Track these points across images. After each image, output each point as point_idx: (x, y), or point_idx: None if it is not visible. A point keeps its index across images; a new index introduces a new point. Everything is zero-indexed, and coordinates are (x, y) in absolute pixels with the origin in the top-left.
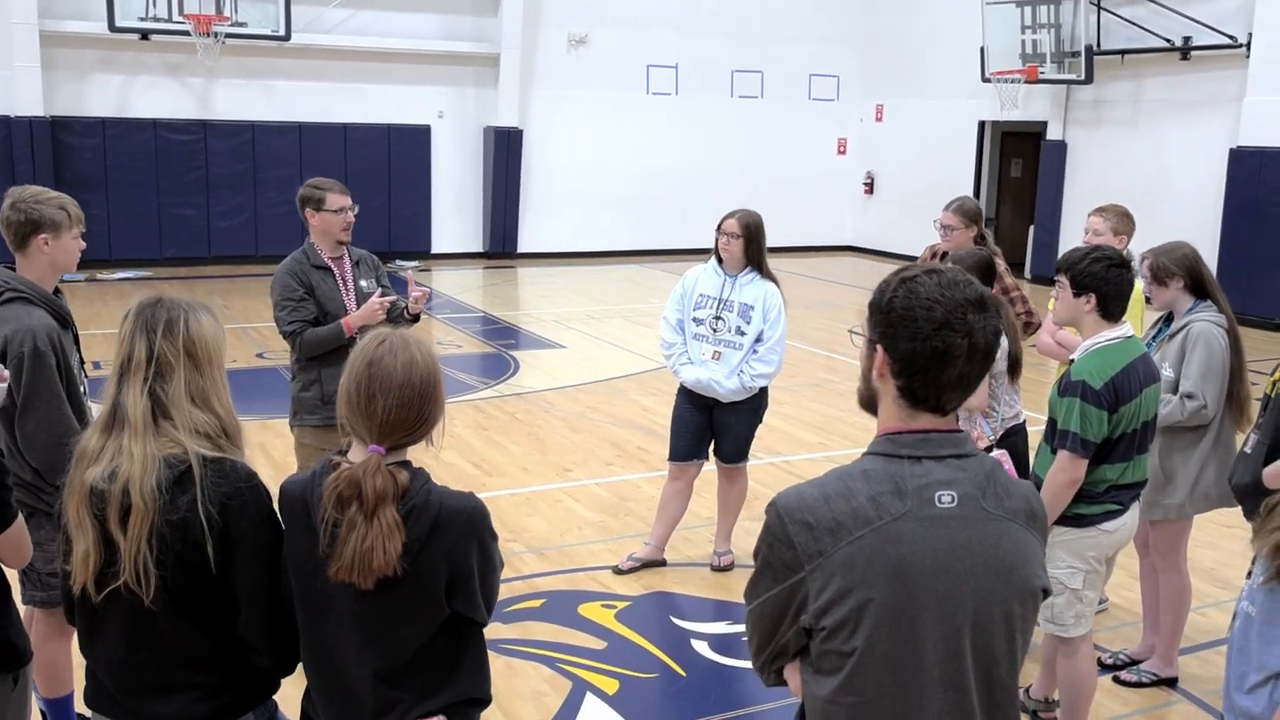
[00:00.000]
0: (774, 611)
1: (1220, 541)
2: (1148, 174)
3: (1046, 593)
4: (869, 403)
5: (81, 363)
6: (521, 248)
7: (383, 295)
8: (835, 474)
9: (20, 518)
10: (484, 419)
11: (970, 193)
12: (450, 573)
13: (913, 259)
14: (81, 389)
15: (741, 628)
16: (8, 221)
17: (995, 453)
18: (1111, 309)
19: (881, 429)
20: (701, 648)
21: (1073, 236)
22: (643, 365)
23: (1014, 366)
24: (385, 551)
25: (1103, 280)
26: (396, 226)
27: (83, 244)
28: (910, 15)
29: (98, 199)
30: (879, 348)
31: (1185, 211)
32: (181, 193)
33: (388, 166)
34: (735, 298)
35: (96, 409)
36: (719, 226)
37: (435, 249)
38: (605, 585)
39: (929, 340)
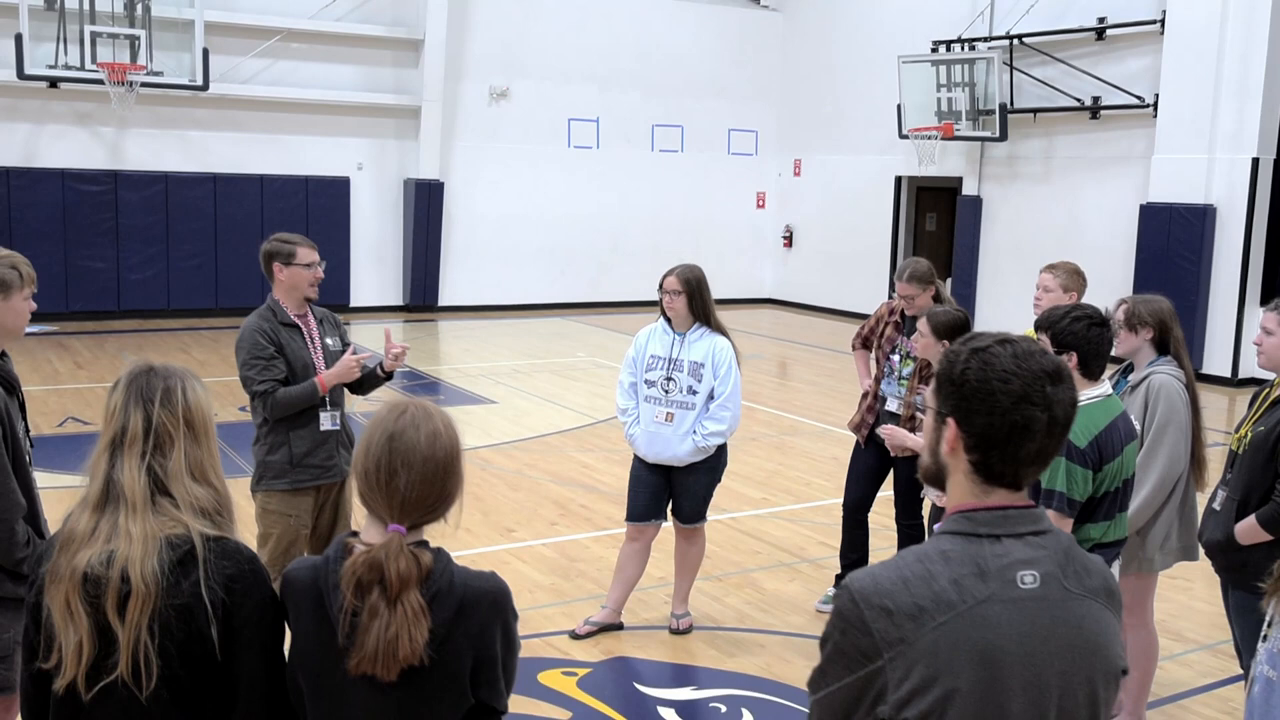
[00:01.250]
0: (846, 701)
1: (1167, 593)
2: (1061, 228)
3: (1125, 672)
4: (935, 477)
5: (27, 431)
6: (442, 300)
7: (354, 353)
8: (911, 555)
9: None
10: None
11: (887, 246)
12: (475, 658)
13: (833, 311)
14: (27, 459)
15: (708, 693)
16: None
17: None
18: (1093, 367)
19: (954, 506)
20: (669, 715)
21: (989, 289)
22: (577, 420)
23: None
24: (412, 639)
25: (1083, 339)
26: None
27: (33, 305)
28: (828, 72)
29: None
30: (951, 422)
31: (1098, 264)
32: (91, 245)
33: (306, 218)
34: (685, 356)
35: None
36: (660, 285)
37: (354, 302)
38: (563, 651)
39: (1008, 415)
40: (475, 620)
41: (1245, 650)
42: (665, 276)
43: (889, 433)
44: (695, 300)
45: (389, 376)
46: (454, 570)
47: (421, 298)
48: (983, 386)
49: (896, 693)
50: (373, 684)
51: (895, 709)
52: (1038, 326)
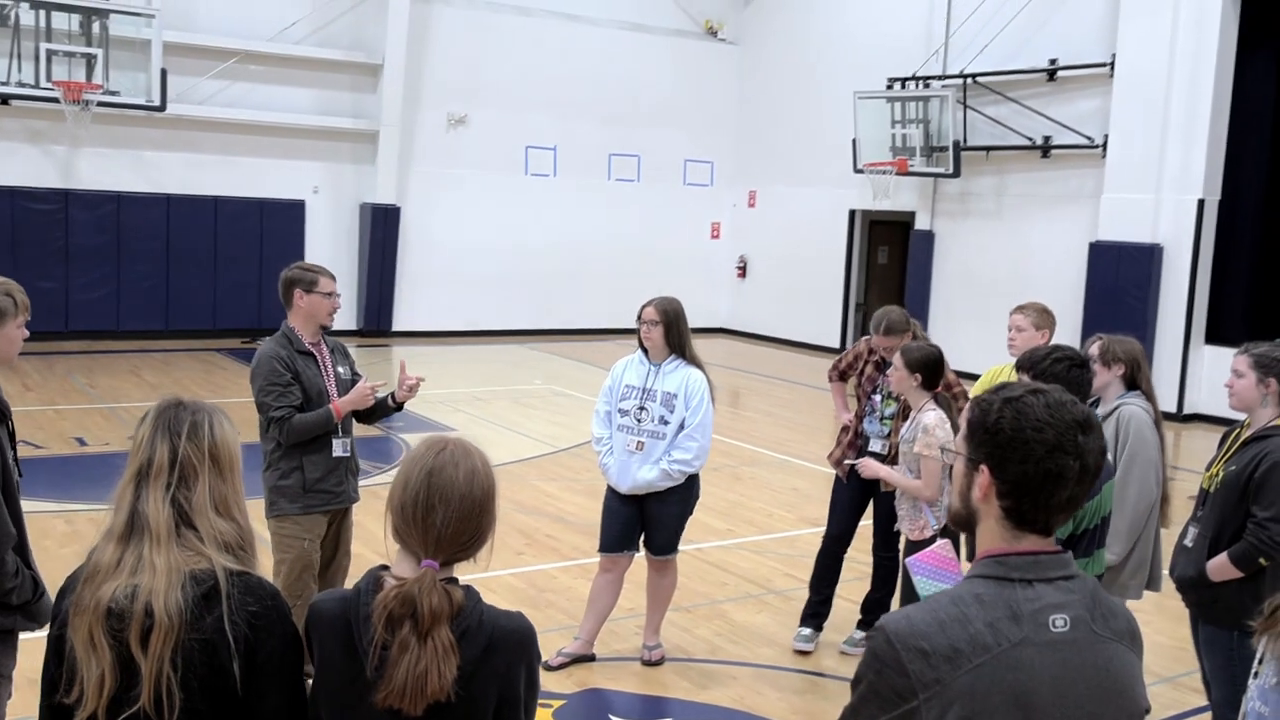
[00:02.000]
0: None
1: None
2: (1012, 264)
3: (1148, 711)
4: (965, 522)
5: (16, 458)
6: (396, 325)
7: (367, 382)
8: (946, 598)
9: None
10: (382, 505)
11: (840, 278)
12: (499, 698)
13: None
14: (16, 488)
15: None
16: None
17: (939, 541)
18: None
19: (985, 550)
20: None
21: (941, 323)
22: (538, 449)
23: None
24: (441, 675)
25: (1065, 380)
26: (267, 302)
27: (25, 333)
28: (784, 105)
29: None
30: (984, 469)
31: (1047, 300)
32: (40, 264)
33: (259, 241)
34: (658, 387)
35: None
36: (639, 315)
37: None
38: None
39: (1041, 463)
40: (502, 659)
41: (1213, 682)
42: (644, 307)
43: (864, 465)
44: (672, 332)
45: (399, 407)
46: (483, 609)
47: (376, 322)
48: (1017, 435)
49: None
50: (398, 718)
51: None
52: (1019, 367)
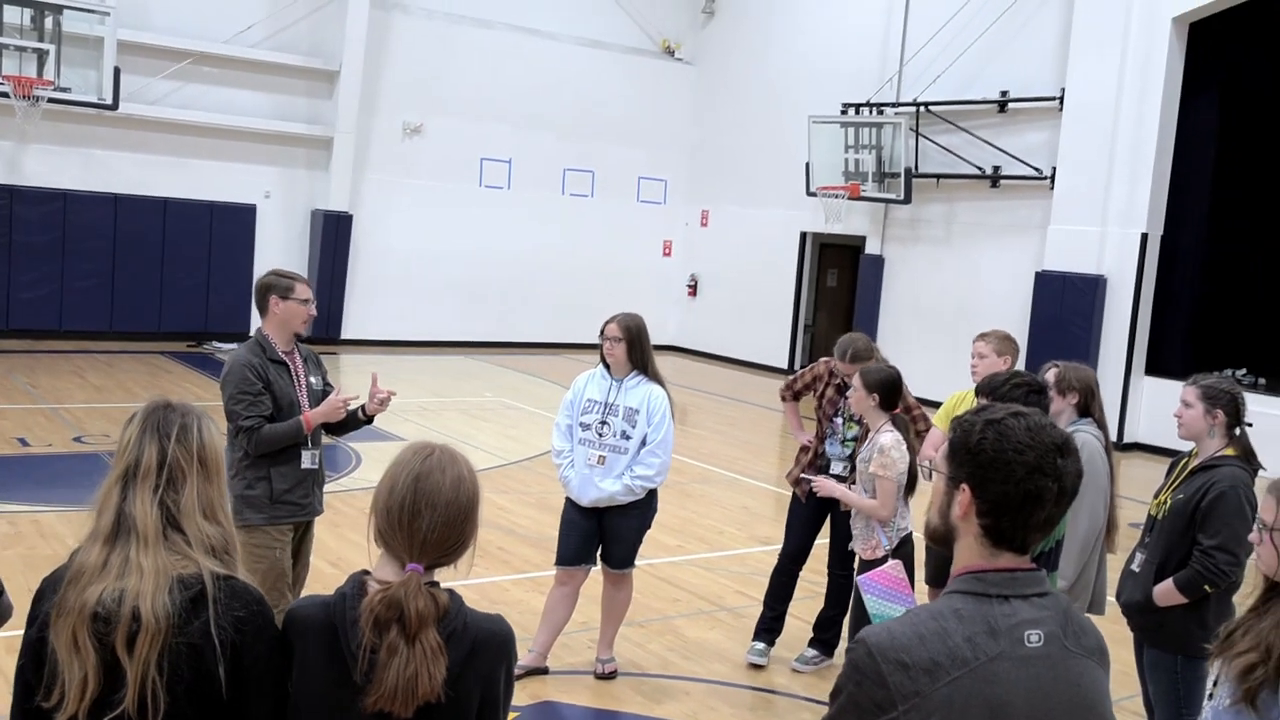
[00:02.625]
0: None
1: None
2: (960, 290)
3: None
4: (943, 539)
5: None
6: (345, 333)
7: (339, 394)
8: (925, 613)
9: None
10: (334, 515)
11: (790, 299)
12: (481, 698)
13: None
14: None
15: None
16: None
17: (890, 562)
18: None
19: (963, 566)
20: None
21: (889, 344)
22: (488, 461)
23: (911, 482)
24: (431, 677)
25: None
26: (214, 306)
27: None
28: (739, 127)
29: None
30: (965, 488)
31: (994, 326)
32: None
33: (209, 244)
34: (620, 402)
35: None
36: (601, 331)
37: (254, 331)
38: None
39: (1021, 484)
40: (485, 661)
41: (1157, 706)
42: (607, 323)
43: (820, 484)
44: (635, 348)
45: (370, 420)
46: (467, 612)
47: (324, 329)
48: (999, 457)
49: None
50: None
51: None
52: (979, 392)
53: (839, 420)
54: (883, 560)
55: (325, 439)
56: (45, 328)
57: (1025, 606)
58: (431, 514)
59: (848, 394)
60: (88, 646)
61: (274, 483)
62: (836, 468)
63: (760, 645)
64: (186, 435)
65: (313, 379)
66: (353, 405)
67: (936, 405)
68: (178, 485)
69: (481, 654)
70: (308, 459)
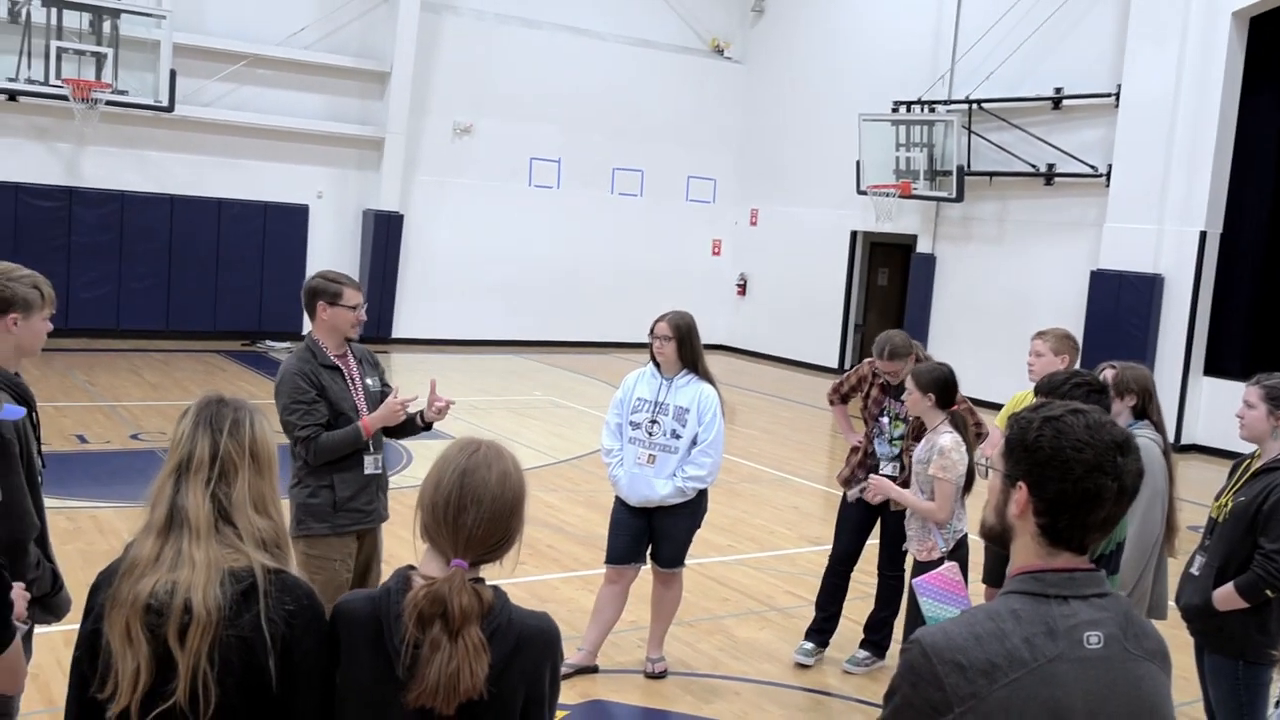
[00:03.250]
0: None
1: None
2: (1012, 289)
3: None
4: (999, 537)
5: (40, 451)
6: (396, 332)
7: (397, 396)
8: (982, 613)
9: (18, 639)
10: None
11: (840, 299)
12: (526, 697)
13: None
14: (40, 480)
15: None
16: None
17: (946, 564)
18: None
19: (1020, 566)
20: None
21: (941, 344)
22: (537, 460)
23: (969, 482)
24: (473, 674)
25: None
26: (268, 305)
27: (50, 326)
28: (788, 125)
29: None
30: (1022, 486)
31: (1049, 326)
32: (42, 261)
33: (262, 244)
34: (671, 401)
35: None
36: (651, 330)
37: (306, 330)
38: None
39: (1080, 482)
40: (530, 658)
41: (1218, 711)
42: (656, 322)
43: (876, 483)
44: (685, 346)
45: (428, 427)
46: (511, 608)
47: (375, 329)
48: (1057, 454)
49: None
50: (428, 717)
51: None
52: (1038, 391)
53: (885, 419)
54: (938, 562)
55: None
56: (104, 327)
57: (1084, 607)
58: (477, 510)
59: (902, 397)
60: (140, 638)
61: (337, 490)
62: (886, 468)
63: (809, 645)
64: (239, 430)
65: (369, 381)
66: (411, 409)
67: (988, 406)
68: (229, 479)
69: (526, 651)
70: (370, 464)
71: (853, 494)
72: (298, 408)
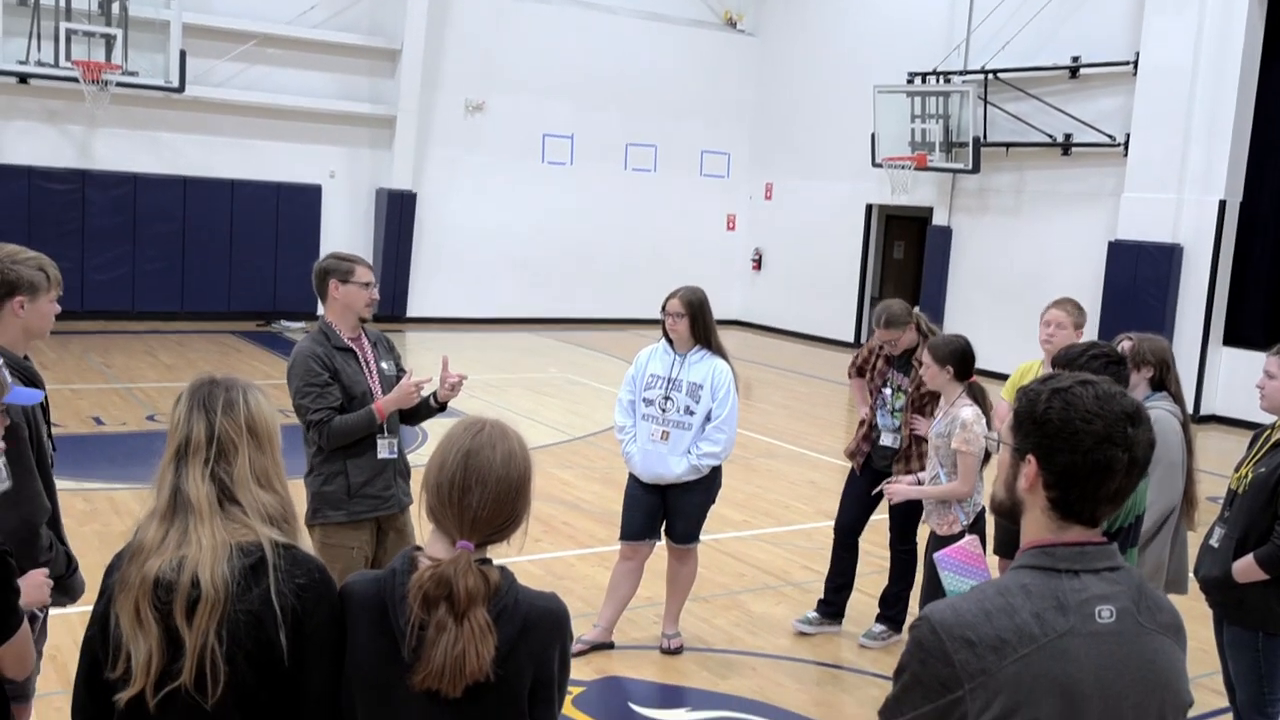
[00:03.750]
0: None
1: None
2: (1029, 261)
3: (1191, 705)
4: (1009, 512)
5: (51, 434)
6: (411, 311)
7: (410, 377)
8: (992, 588)
9: (26, 624)
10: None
11: (856, 272)
12: (534, 678)
13: (800, 335)
14: (50, 462)
15: (703, 715)
16: None
17: (967, 537)
18: None
19: (1031, 540)
20: None
21: (957, 317)
22: (553, 437)
23: (988, 455)
24: (479, 656)
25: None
26: (282, 286)
27: (58, 308)
28: (802, 98)
29: None
30: (1031, 459)
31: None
32: (56, 244)
33: (275, 225)
34: (684, 377)
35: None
36: (663, 307)
37: (321, 310)
38: None
39: (1090, 454)
40: (537, 639)
41: (1238, 684)
42: (669, 299)
43: (894, 490)
44: (697, 323)
45: (442, 408)
46: (519, 589)
47: (390, 309)
48: (1065, 426)
49: None
50: (435, 699)
51: None
52: (1055, 363)
53: (887, 391)
54: (959, 536)
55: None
56: (118, 309)
57: (1096, 581)
58: (482, 490)
59: (920, 370)
60: (150, 620)
61: (351, 476)
62: (886, 439)
63: (813, 615)
64: (232, 408)
65: (384, 364)
66: (425, 391)
67: (1005, 378)
68: (229, 457)
69: (533, 632)
70: (384, 448)
71: (858, 461)
72: (310, 391)
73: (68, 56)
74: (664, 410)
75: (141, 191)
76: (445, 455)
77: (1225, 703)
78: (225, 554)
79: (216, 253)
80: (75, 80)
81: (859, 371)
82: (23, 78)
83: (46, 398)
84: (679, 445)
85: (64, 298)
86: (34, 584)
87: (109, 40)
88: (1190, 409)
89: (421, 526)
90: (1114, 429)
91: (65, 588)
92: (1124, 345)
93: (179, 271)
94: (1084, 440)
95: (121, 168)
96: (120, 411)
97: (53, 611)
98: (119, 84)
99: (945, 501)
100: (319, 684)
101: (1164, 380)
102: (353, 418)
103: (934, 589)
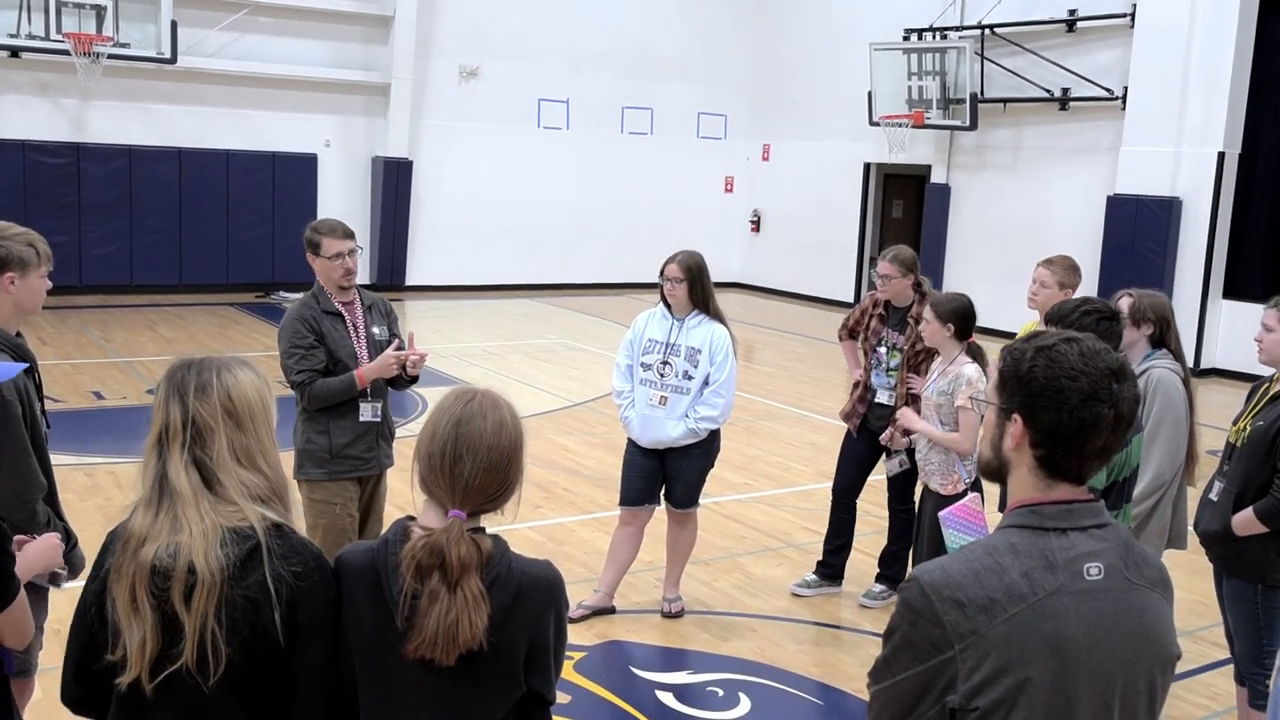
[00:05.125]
0: (913, 691)
1: None
2: (1028, 217)
3: (1179, 658)
4: (995, 472)
5: (44, 410)
6: (409, 280)
7: (399, 347)
8: (980, 548)
9: (23, 593)
10: (402, 460)
11: (855, 232)
12: (529, 645)
13: (799, 296)
14: (44, 439)
15: (704, 677)
16: None
17: (970, 495)
18: None
19: (1017, 499)
20: (667, 699)
21: (956, 277)
22: (553, 403)
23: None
24: (472, 624)
25: (1095, 334)
26: (280, 257)
27: (49, 283)
28: (798, 58)
29: None
30: (1017, 417)
31: (1064, 253)
32: (52, 218)
33: (272, 195)
34: (682, 341)
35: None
36: (661, 271)
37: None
38: None
39: (1076, 411)
40: (531, 607)
41: (1237, 636)
42: (667, 263)
43: (902, 417)
44: (696, 287)
45: (413, 380)
46: (511, 557)
47: (389, 277)
48: (1051, 384)
49: (967, 682)
50: (429, 668)
51: (966, 698)
52: (1047, 320)
53: (882, 350)
54: (963, 495)
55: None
56: (117, 283)
57: (1084, 539)
58: (473, 459)
59: (920, 327)
60: (145, 605)
61: (333, 437)
62: (882, 397)
63: (811, 577)
64: (205, 390)
65: (376, 329)
66: (417, 364)
67: (1005, 336)
68: (206, 440)
69: (527, 600)
70: (367, 411)
71: (891, 469)
72: (295, 352)
73: (58, 29)
74: (662, 375)
75: (137, 164)
76: (436, 425)
77: (1226, 654)
78: (218, 538)
79: (214, 225)
80: (67, 53)
81: (850, 334)
82: (14, 51)
83: (39, 374)
84: (677, 409)
85: (62, 272)
86: (47, 545)
87: (99, 11)
88: (1190, 363)
89: (414, 497)
90: (1099, 385)
91: (66, 563)
92: (1124, 302)
93: (177, 244)
94: (1069, 398)
95: (116, 140)
96: (120, 386)
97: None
98: (110, 56)
99: (949, 460)
100: (313, 670)
101: (1164, 337)
102: (334, 381)
103: (935, 548)
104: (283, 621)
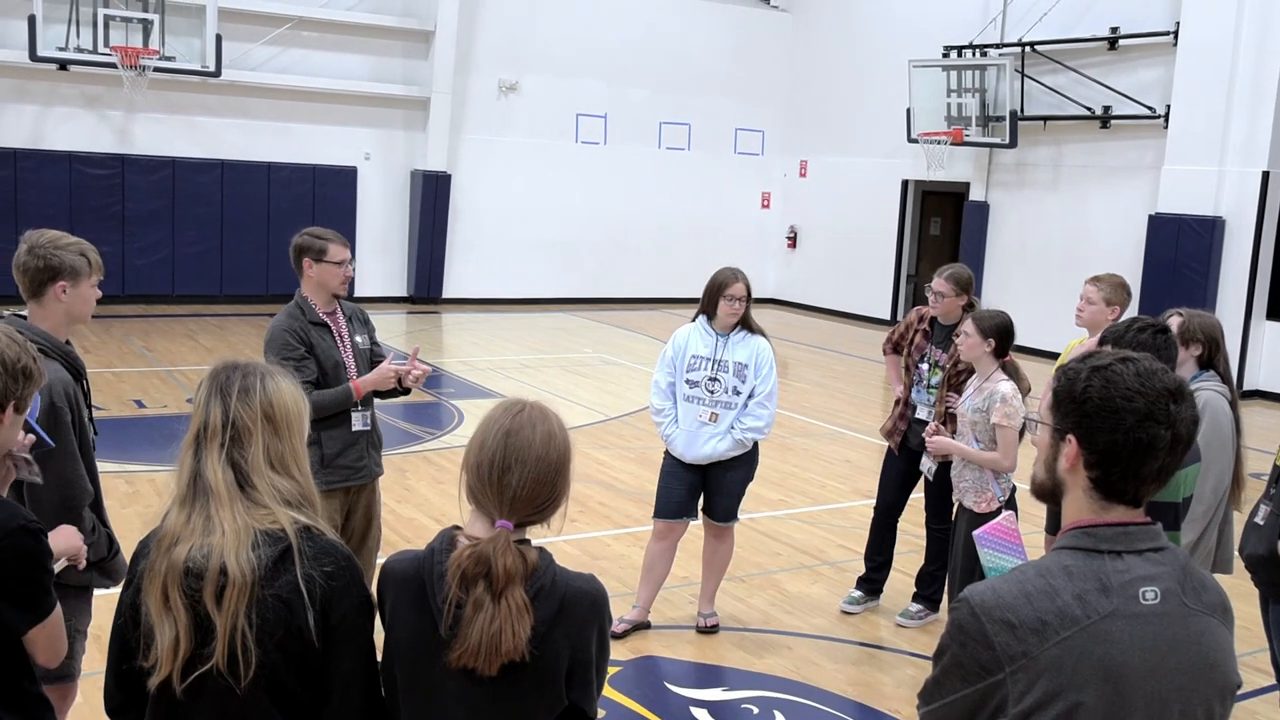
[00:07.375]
0: (963, 713)
1: None
2: (1068, 236)
3: (1239, 687)
4: (1050, 494)
5: (92, 417)
6: (446, 293)
7: (385, 356)
8: (1032, 569)
9: (59, 609)
10: (436, 471)
11: (892, 249)
12: (572, 659)
13: (836, 313)
14: (92, 445)
15: (739, 694)
16: (25, 267)
17: (1004, 514)
18: None
19: (1072, 521)
20: (702, 715)
21: (994, 292)
22: (588, 417)
23: (1023, 429)
24: (515, 635)
25: (1151, 348)
26: None
27: (99, 293)
28: (836, 74)
29: (8, 232)
30: (1071, 439)
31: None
32: (96, 228)
33: (311, 207)
34: (729, 357)
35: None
36: (721, 290)
37: (359, 292)
38: None
39: (1132, 432)
40: (575, 620)
41: None
42: (731, 281)
43: (935, 443)
44: (748, 305)
45: (407, 391)
46: (556, 569)
47: (426, 289)
48: (1106, 404)
49: (1018, 706)
50: (471, 678)
51: None
52: (1103, 341)
53: (924, 366)
54: (997, 513)
55: (416, 394)
56: (159, 293)
57: (1140, 562)
58: (521, 470)
59: (958, 341)
60: (178, 605)
61: (325, 447)
62: (922, 413)
63: (857, 594)
64: (248, 394)
65: (358, 339)
66: (417, 379)
67: (1045, 355)
68: (244, 442)
69: (570, 613)
70: (358, 421)
71: (927, 467)
72: (286, 364)
73: (106, 42)
74: (711, 392)
75: (180, 175)
76: (485, 435)
77: (1272, 681)
78: (249, 539)
79: (254, 236)
80: (114, 66)
81: (894, 348)
82: (62, 64)
83: (88, 381)
84: (725, 424)
85: (105, 282)
86: (63, 535)
87: (146, 25)
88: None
89: (461, 508)
90: (1156, 406)
91: (108, 570)
92: (1173, 321)
93: (218, 255)
94: (1126, 418)
95: (160, 152)
96: (161, 394)
97: (97, 592)
98: (156, 69)
99: (982, 478)
100: (347, 670)
101: (1212, 359)
102: (330, 393)
103: (970, 568)
104: (316, 622)
